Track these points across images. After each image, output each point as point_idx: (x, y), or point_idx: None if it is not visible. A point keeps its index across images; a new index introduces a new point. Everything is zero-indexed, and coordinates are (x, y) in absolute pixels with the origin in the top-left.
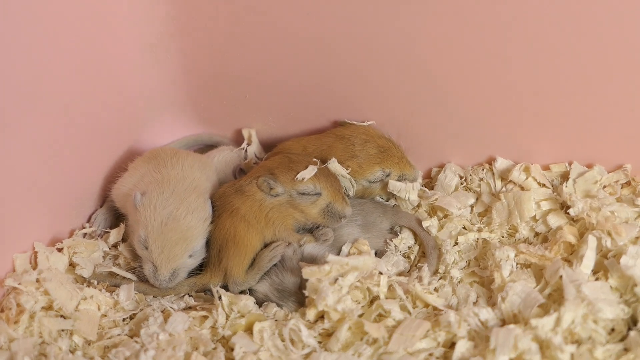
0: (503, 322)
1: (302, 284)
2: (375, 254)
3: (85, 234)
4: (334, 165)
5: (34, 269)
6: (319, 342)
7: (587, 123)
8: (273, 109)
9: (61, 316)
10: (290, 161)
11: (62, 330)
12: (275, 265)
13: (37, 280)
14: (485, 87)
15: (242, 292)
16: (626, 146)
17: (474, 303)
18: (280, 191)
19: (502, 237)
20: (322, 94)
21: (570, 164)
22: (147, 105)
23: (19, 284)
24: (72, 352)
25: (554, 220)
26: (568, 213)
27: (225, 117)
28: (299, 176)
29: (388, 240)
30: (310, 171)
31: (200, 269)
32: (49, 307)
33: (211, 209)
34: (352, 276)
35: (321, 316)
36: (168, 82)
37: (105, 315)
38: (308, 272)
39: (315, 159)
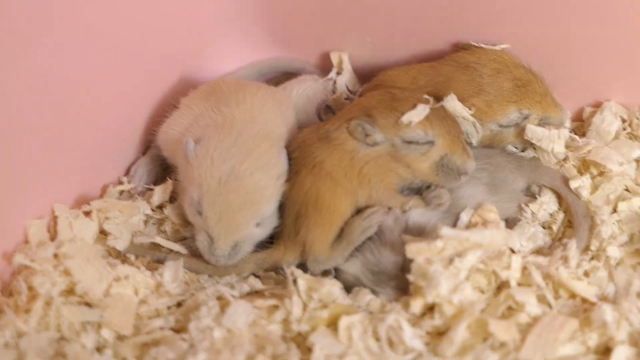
0: None
1: (405, 264)
2: (505, 223)
3: (121, 192)
4: (453, 103)
5: (52, 239)
6: (427, 344)
7: None
8: (372, 25)
9: (86, 304)
10: (393, 98)
11: (87, 323)
12: (370, 238)
13: (55, 256)
14: None
15: (325, 273)
16: None
17: (639, 294)
18: (380, 139)
19: None
20: (439, 6)
21: None
22: (206, 20)
23: (32, 260)
24: (100, 350)
25: None
26: None
27: (308, 37)
28: (405, 118)
29: (523, 205)
30: (420, 112)
31: (270, 241)
32: (70, 292)
33: (287, 163)
34: (474, 256)
35: (430, 308)
36: None
37: (145, 302)
38: (414, 249)
39: (427, 96)
